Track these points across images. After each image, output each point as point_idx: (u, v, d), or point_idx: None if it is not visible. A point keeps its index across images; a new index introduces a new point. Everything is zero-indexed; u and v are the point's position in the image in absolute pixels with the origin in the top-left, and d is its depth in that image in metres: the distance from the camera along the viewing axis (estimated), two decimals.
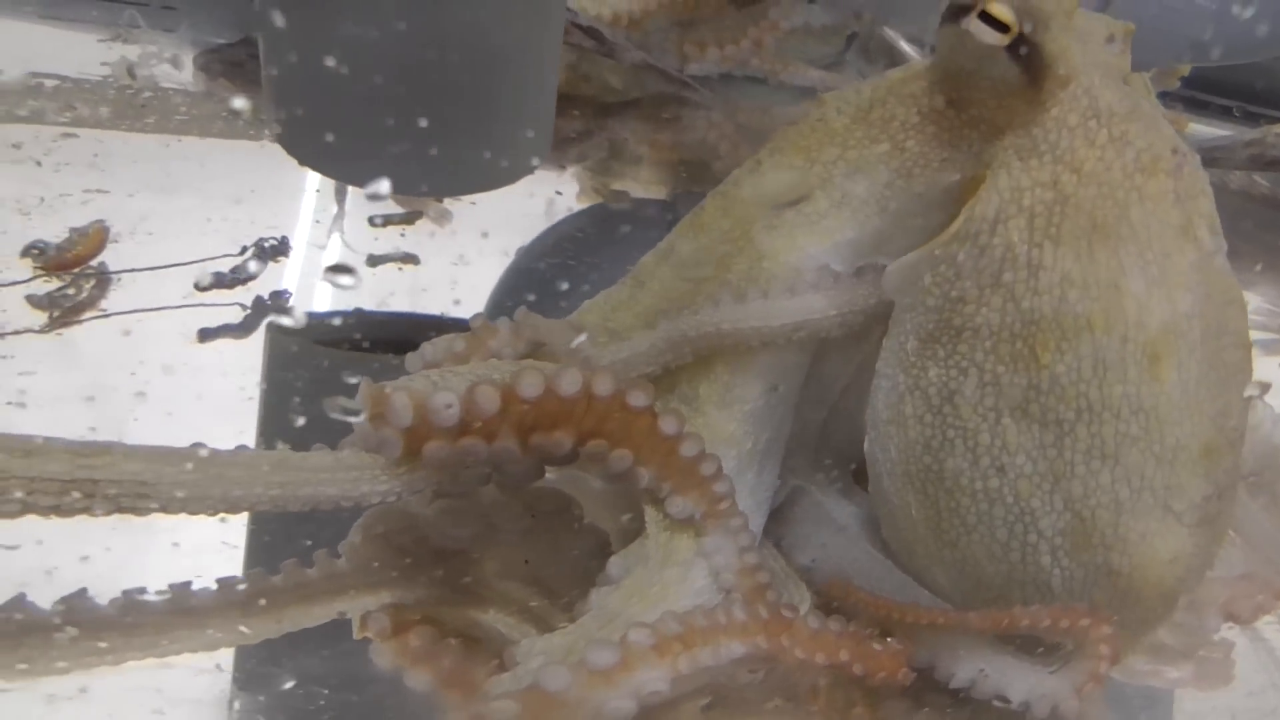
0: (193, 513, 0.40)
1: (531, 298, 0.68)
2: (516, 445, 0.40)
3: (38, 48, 0.81)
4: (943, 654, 0.39)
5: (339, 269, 0.64)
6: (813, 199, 0.39)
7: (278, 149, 0.74)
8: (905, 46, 0.95)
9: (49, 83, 0.74)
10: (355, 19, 0.57)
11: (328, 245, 0.68)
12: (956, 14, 0.35)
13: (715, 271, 0.41)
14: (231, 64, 0.85)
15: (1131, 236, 0.34)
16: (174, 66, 0.83)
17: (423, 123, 0.58)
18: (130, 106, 0.74)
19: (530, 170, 0.65)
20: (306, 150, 0.61)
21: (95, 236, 0.57)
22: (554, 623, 0.45)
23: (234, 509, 0.40)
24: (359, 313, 0.63)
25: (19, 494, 0.37)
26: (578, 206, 0.84)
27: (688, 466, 0.39)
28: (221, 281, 0.56)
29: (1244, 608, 0.46)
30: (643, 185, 0.97)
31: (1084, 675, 0.38)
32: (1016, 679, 0.38)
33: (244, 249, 0.59)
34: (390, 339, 0.59)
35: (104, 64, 0.80)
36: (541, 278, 0.73)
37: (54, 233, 0.58)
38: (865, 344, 0.42)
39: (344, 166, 0.61)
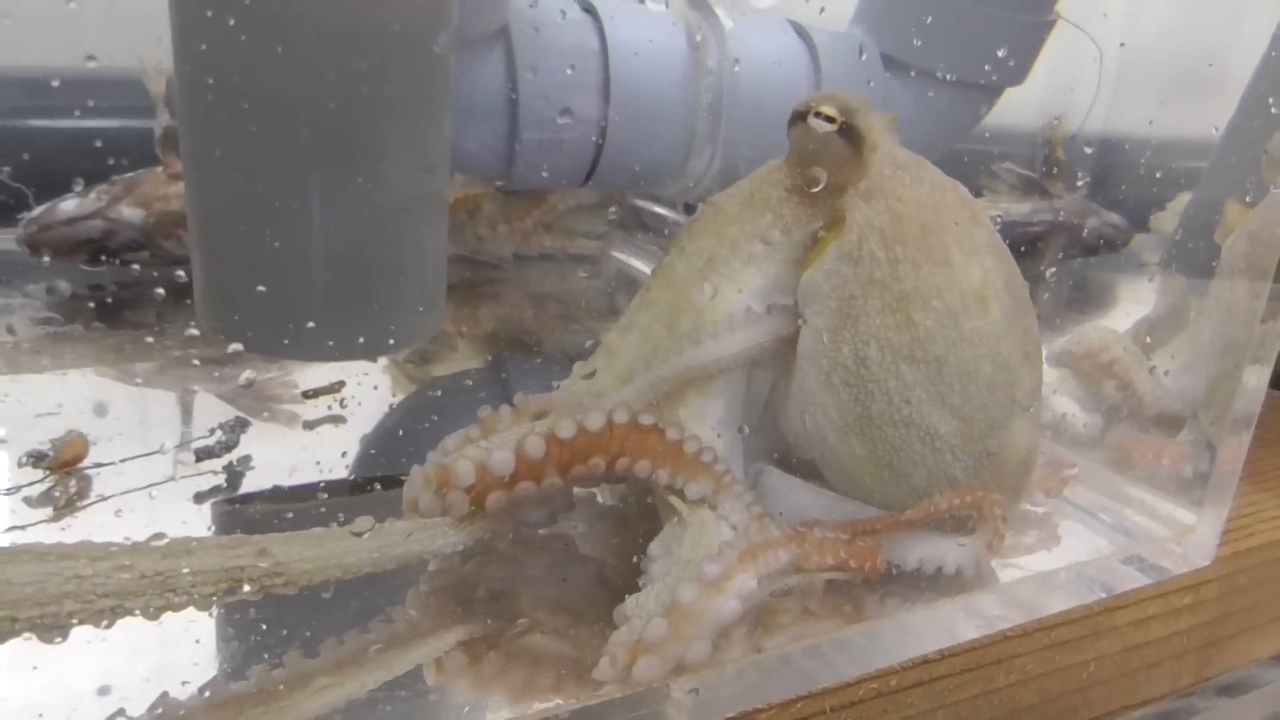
0: (316, 583, 0.48)
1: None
2: (560, 480, 0.52)
3: None
4: (895, 550, 0.54)
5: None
6: (728, 262, 0.56)
7: None
8: (659, 209, 1.17)
9: None
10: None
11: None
12: (802, 117, 0.54)
13: (668, 330, 0.56)
14: None
15: (946, 229, 0.53)
16: None
17: (339, 287, 0.68)
18: None
19: (439, 329, 0.77)
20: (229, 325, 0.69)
21: (78, 443, 0.63)
22: (580, 635, 0.55)
23: (348, 573, 0.49)
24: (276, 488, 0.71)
25: (188, 584, 0.45)
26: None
27: (694, 460, 0.53)
28: (212, 453, 0.64)
29: (1054, 485, 0.65)
30: (461, 361, 1.09)
31: (990, 534, 0.54)
32: (948, 552, 0.54)
33: (212, 430, 0.67)
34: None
35: None
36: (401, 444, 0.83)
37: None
38: (778, 361, 0.58)
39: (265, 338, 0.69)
